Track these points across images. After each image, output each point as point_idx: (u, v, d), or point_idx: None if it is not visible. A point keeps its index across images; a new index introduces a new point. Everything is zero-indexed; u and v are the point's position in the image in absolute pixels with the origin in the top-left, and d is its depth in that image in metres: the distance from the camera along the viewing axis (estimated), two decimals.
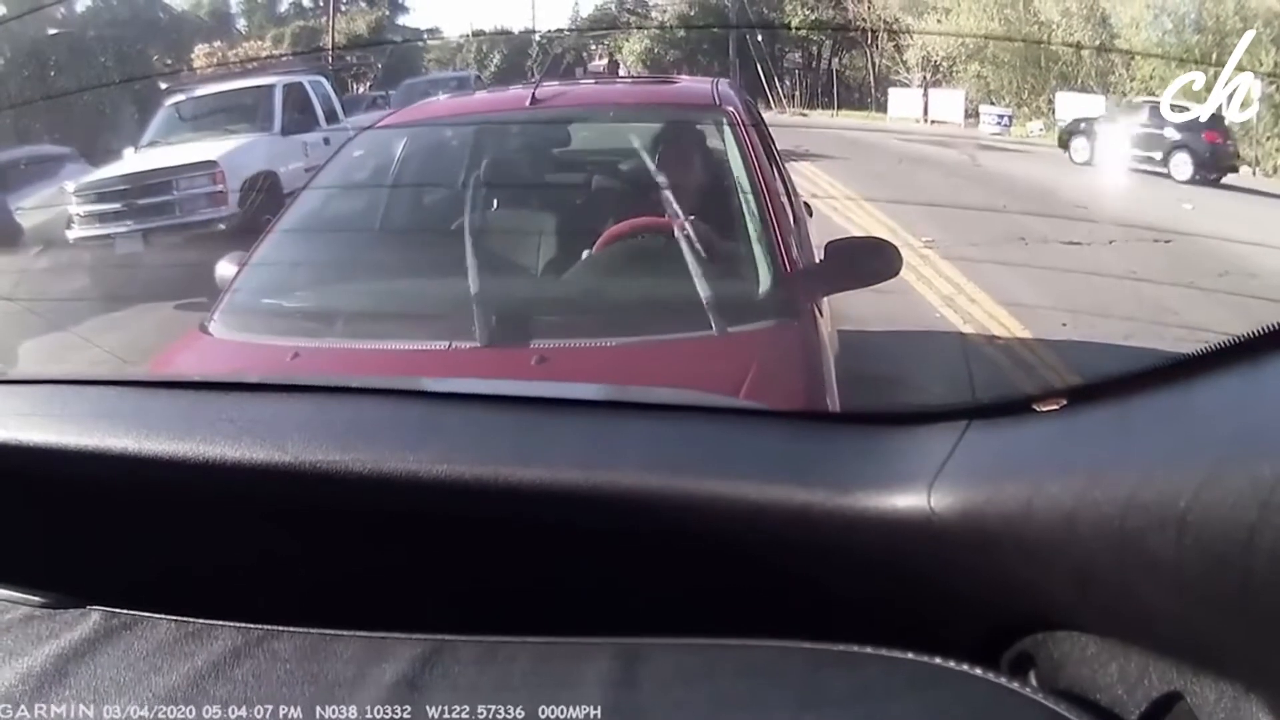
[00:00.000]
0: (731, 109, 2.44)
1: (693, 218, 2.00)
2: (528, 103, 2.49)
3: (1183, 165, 9.46)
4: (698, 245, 1.93)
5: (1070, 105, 13.10)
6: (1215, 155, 9.55)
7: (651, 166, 2.30)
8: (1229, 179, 9.46)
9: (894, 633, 0.57)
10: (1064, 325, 4.31)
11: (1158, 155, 9.61)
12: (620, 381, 1.64)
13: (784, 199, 2.31)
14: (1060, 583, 0.56)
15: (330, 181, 2.57)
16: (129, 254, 6.40)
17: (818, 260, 2.11)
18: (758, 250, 1.96)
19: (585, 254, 2.10)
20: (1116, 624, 0.55)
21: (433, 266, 2.16)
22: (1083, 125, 10.90)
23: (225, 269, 2.15)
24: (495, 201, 2.45)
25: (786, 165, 3.14)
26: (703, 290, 1.78)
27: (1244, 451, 0.46)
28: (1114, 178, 9.77)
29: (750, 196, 2.08)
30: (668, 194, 2.07)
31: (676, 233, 1.95)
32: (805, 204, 3.23)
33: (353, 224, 2.54)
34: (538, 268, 2.16)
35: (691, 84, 3.41)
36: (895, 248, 2.03)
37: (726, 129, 2.35)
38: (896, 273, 2.00)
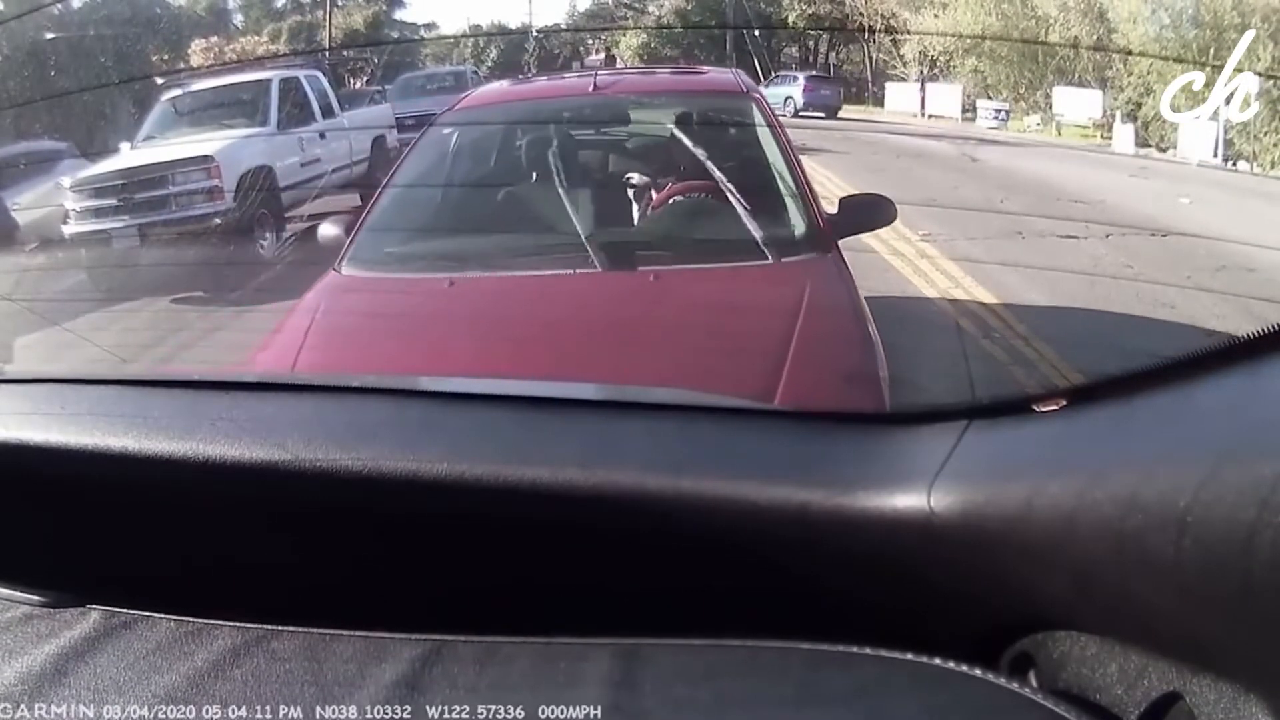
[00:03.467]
0: (757, 95, 3.05)
1: (741, 178, 2.49)
2: (591, 89, 3.03)
3: None
4: (750, 198, 2.41)
5: (1067, 99, 13.16)
6: None
7: (700, 139, 2.73)
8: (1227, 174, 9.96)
9: (894, 632, 0.57)
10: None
11: None
12: (708, 290, 2.10)
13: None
14: (1060, 583, 0.56)
15: (435, 144, 3.01)
16: (125, 249, 6.39)
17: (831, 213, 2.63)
18: (795, 202, 2.46)
19: (652, 206, 2.67)
20: (1116, 624, 0.55)
21: (540, 214, 2.57)
22: None
23: (329, 230, 2.51)
24: (589, 164, 3.25)
25: None
26: (760, 230, 2.27)
27: (1244, 451, 0.46)
28: None
29: (783, 162, 2.61)
30: (717, 160, 2.53)
31: (727, 189, 2.42)
32: None
33: (466, 178, 3.03)
34: (631, 214, 2.76)
35: (718, 73, 3.95)
36: (891, 201, 2.56)
37: (755, 110, 2.92)
38: (892, 220, 2.58)
